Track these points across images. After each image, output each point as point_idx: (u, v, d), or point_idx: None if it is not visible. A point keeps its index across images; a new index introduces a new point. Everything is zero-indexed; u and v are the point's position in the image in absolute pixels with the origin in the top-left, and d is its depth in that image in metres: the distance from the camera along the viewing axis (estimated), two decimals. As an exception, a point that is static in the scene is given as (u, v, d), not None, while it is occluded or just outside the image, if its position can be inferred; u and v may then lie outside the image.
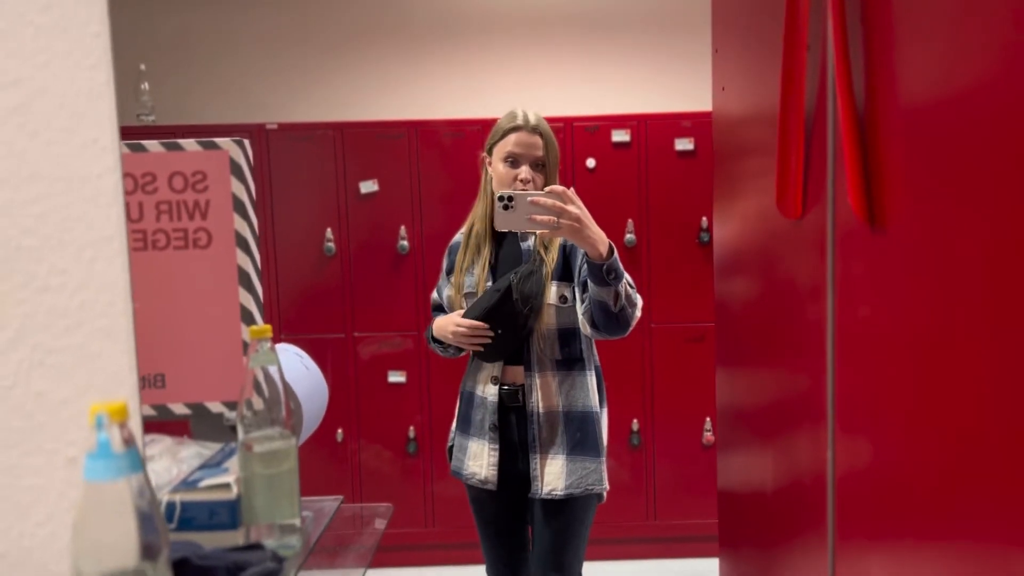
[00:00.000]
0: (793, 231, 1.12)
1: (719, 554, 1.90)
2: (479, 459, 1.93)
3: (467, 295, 1.93)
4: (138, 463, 0.69)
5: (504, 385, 1.91)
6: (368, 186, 3.37)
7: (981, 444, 0.72)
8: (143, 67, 3.51)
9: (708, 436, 3.41)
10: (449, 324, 1.89)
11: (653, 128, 3.36)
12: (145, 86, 3.48)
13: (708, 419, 3.41)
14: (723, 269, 1.73)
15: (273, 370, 1.11)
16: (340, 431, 3.42)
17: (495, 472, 1.91)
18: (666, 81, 3.81)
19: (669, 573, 3.36)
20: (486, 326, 1.84)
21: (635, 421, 3.42)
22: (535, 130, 1.86)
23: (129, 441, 0.69)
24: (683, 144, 3.36)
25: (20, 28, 0.84)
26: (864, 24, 0.86)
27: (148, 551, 0.70)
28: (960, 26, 0.72)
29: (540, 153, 1.86)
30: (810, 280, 1.05)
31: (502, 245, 1.95)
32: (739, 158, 1.50)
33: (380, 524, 1.45)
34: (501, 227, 1.70)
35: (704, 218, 3.35)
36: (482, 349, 1.88)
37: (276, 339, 3.15)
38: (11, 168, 0.86)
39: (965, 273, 0.71)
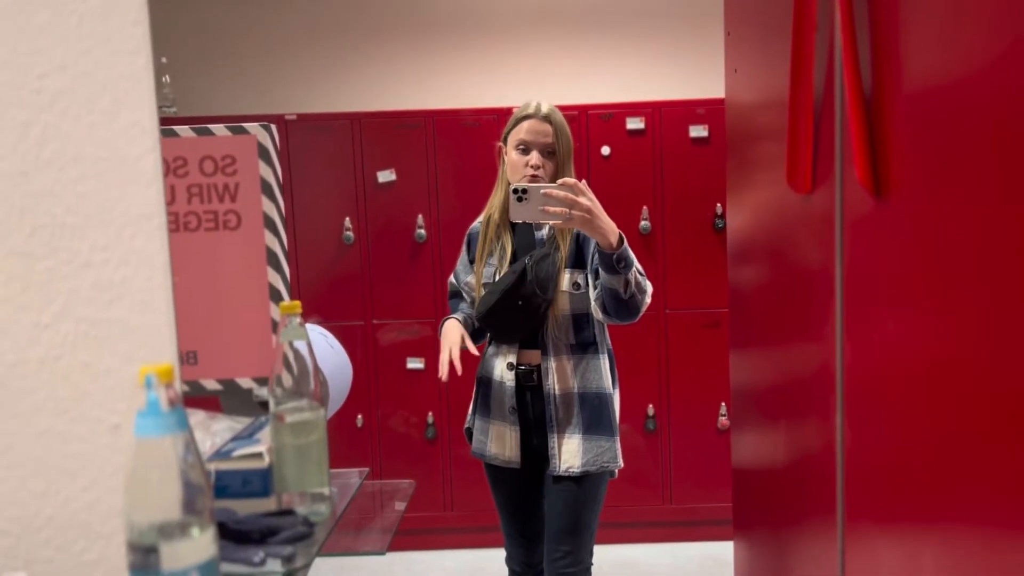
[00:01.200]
0: (803, 208, 1.15)
1: (734, 536, 1.94)
2: (502, 440, 2.00)
3: (486, 285, 1.99)
4: (184, 422, 0.73)
5: (520, 367, 1.98)
6: (386, 175, 3.42)
7: (989, 422, 0.74)
8: (164, 59, 3.57)
9: (723, 421, 3.44)
10: (445, 340, 1.95)
11: (667, 115, 3.39)
12: (166, 78, 3.54)
13: (723, 404, 3.44)
14: (736, 254, 1.77)
15: (302, 344, 1.15)
16: (360, 417, 3.47)
17: (518, 453, 1.99)
18: (680, 69, 3.82)
19: (684, 557, 3.39)
20: (457, 366, 1.90)
21: (651, 406, 3.46)
22: (546, 118, 1.92)
23: (175, 401, 0.74)
24: (697, 131, 3.38)
25: (65, 16, 0.89)
26: (870, 6, 0.89)
27: (193, 505, 0.74)
28: (960, 8, 0.75)
29: (550, 140, 1.91)
30: (819, 254, 1.08)
31: (518, 234, 2.01)
32: (751, 139, 1.53)
33: (400, 505, 1.50)
34: (515, 218, 1.77)
35: (719, 204, 3.37)
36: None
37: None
38: (56, 150, 0.91)
39: (964, 239, 0.75)
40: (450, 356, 1.90)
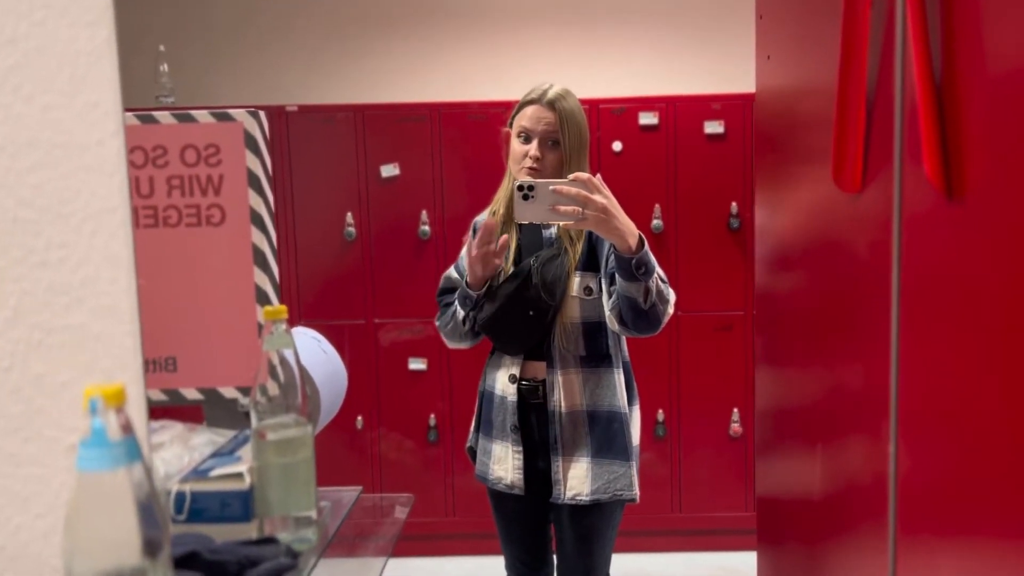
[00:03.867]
0: (850, 209, 1.03)
1: (757, 547, 1.80)
2: (504, 463, 1.82)
3: (489, 285, 1.80)
4: (136, 452, 0.62)
5: (523, 381, 1.80)
6: (389, 170, 3.31)
7: None
8: (162, 48, 3.47)
9: (736, 427, 3.33)
10: (472, 252, 1.70)
11: (682, 111, 3.27)
12: (164, 67, 3.44)
13: (736, 410, 3.33)
14: (768, 259, 1.61)
15: (289, 354, 1.05)
16: (360, 418, 3.37)
17: (521, 476, 1.80)
18: (696, 62, 3.70)
19: (696, 566, 3.29)
20: (495, 227, 1.67)
21: (660, 411, 3.35)
22: (551, 105, 1.71)
23: (127, 428, 0.63)
24: (713, 127, 3.26)
25: (15, -20, 0.78)
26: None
27: (148, 547, 0.64)
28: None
29: (551, 128, 1.70)
30: (872, 261, 0.96)
31: (525, 232, 1.83)
32: (787, 132, 1.40)
33: (401, 513, 1.40)
34: (520, 219, 1.58)
35: (734, 203, 3.25)
36: (497, 262, 1.71)
37: (296, 324, 3.10)
38: (6, 134, 0.80)
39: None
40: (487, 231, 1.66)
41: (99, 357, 0.83)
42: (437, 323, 1.94)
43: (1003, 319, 0.72)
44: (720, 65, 3.61)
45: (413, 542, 3.36)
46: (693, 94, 3.33)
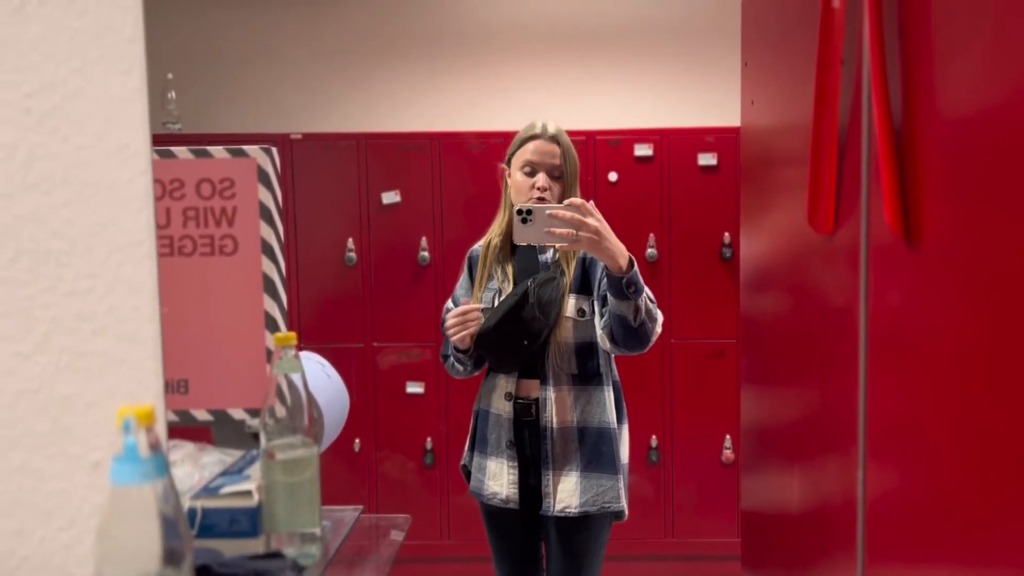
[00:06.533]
0: (825, 247, 1.10)
1: (742, 573, 1.87)
2: (499, 478, 1.89)
3: (484, 311, 1.87)
4: (164, 468, 0.68)
5: (519, 399, 1.88)
6: (390, 197, 3.38)
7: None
8: (170, 76, 3.55)
9: (728, 454, 3.37)
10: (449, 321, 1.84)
11: (676, 143, 3.35)
12: (172, 95, 3.52)
13: (728, 436, 3.37)
14: (750, 284, 1.70)
15: (296, 378, 1.11)
16: (358, 441, 3.41)
17: (516, 491, 1.88)
18: (690, 96, 3.80)
19: (686, 592, 3.32)
20: (478, 309, 1.81)
21: (654, 437, 3.39)
22: (553, 139, 1.85)
23: (155, 446, 0.69)
24: (706, 159, 3.34)
25: (57, 32, 0.85)
26: (902, 37, 0.85)
27: (172, 557, 0.69)
28: (1002, 35, 0.70)
29: (558, 162, 1.84)
30: (842, 297, 1.03)
31: (520, 258, 1.92)
32: (768, 172, 1.49)
33: (398, 536, 1.45)
34: (520, 240, 1.70)
35: (727, 234, 3.32)
36: (470, 342, 1.83)
37: (297, 348, 3.16)
38: (43, 172, 0.86)
39: (1007, 291, 0.70)
40: (455, 313, 1.80)
41: (122, 380, 0.89)
42: (441, 353, 2.04)
43: (958, 356, 0.78)
44: (713, 99, 3.70)
45: (409, 564, 3.38)
46: (687, 127, 3.41)
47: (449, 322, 1.82)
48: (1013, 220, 0.68)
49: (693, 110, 3.75)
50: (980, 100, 0.73)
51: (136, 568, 0.67)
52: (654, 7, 3.81)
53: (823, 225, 1.05)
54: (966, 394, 0.77)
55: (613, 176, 3.34)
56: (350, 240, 3.38)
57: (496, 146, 3.32)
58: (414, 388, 3.42)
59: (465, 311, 1.81)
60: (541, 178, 1.83)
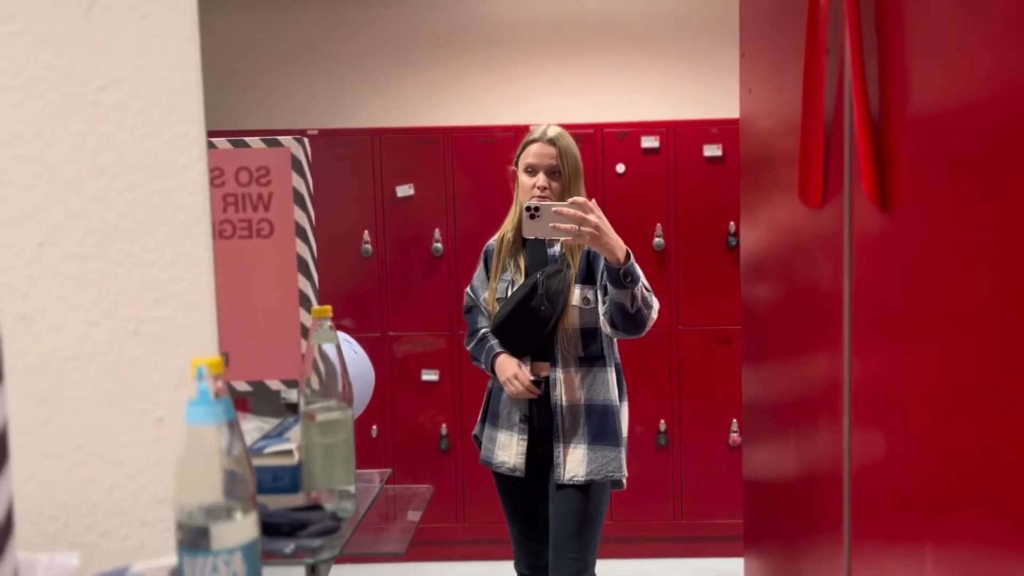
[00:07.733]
0: (813, 225, 1.20)
1: (744, 551, 1.97)
2: (508, 449, 2.08)
3: (499, 300, 2.09)
4: (231, 411, 0.79)
5: (531, 378, 2.05)
6: (404, 190, 3.49)
7: (996, 438, 0.75)
8: (190, 75, 3.66)
9: (735, 437, 3.46)
10: (508, 372, 2.03)
11: (682, 135, 3.44)
12: (192, 93, 3.62)
13: (735, 421, 3.46)
14: (750, 270, 1.81)
15: (331, 348, 1.21)
16: (375, 427, 3.52)
17: (523, 460, 2.07)
18: (695, 88, 3.88)
19: (695, 571, 3.41)
20: (538, 390, 2.02)
21: (662, 422, 3.49)
22: (550, 141, 2.04)
23: (222, 392, 0.79)
24: (711, 150, 3.43)
25: (123, 33, 0.95)
26: (878, 31, 0.95)
27: (236, 490, 0.79)
28: (965, 35, 0.80)
29: (555, 162, 2.02)
30: (829, 269, 1.13)
31: (530, 252, 2.10)
32: (765, 159, 1.58)
33: (414, 516, 1.55)
34: (528, 234, 1.87)
35: (732, 223, 3.41)
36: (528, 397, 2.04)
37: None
38: (111, 159, 0.97)
39: (967, 250, 0.79)
40: (523, 385, 2.01)
41: (182, 343, 1.00)
42: (468, 347, 2.26)
43: (935, 319, 0.88)
44: (718, 92, 3.79)
45: (425, 546, 3.49)
46: (693, 119, 3.51)
47: (513, 388, 2.03)
48: (968, 188, 0.77)
49: (698, 103, 3.84)
50: (943, 89, 0.83)
51: (207, 497, 0.77)
52: (659, 4, 3.90)
53: (812, 198, 1.15)
54: (942, 361, 0.86)
55: (621, 168, 3.43)
56: (366, 232, 3.49)
57: (507, 139, 3.42)
58: (429, 375, 3.52)
59: (530, 388, 2.02)
60: (540, 177, 2.02)
